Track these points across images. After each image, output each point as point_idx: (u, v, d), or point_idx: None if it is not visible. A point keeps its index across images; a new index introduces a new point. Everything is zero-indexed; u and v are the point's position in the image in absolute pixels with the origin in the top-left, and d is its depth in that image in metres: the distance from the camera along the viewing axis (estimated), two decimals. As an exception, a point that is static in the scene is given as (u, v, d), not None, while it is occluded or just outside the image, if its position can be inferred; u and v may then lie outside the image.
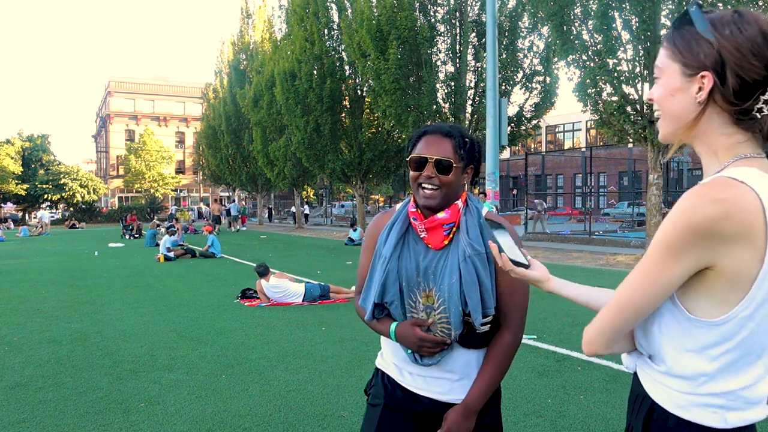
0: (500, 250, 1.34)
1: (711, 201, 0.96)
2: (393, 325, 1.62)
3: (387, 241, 1.63)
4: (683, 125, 1.09)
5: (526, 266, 1.34)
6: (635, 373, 1.19)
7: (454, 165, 1.56)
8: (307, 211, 36.23)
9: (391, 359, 1.72)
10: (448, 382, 1.62)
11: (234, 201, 36.76)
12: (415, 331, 1.56)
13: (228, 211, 30.79)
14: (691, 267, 1.00)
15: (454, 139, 1.58)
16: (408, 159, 1.61)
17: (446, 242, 1.58)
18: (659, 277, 1.02)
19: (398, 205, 1.73)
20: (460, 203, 1.60)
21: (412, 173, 1.59)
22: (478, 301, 1.52)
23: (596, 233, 18.85)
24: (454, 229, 1.58)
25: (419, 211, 1.61)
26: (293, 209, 35.50)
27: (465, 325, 1.55)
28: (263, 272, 7.92)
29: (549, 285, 1.35)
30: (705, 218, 0.96)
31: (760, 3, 10.47)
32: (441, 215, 1.57)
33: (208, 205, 49.99)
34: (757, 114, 1.01)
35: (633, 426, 1.18)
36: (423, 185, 1.57)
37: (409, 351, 1.61)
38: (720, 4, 10.07)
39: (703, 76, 1.03)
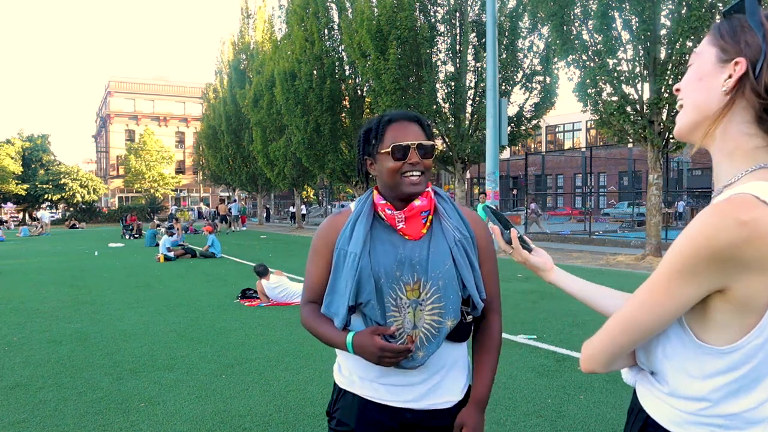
0: (504, 229, 1.33)
1: (733, 223, 0.88)
2: (350, 336, 1.45)
3: (353, 239, 1.49)
4: (704, 117, 1.00)
5: (530, 249, 1.34)
6: (634, 389, 1.14)
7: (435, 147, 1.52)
8: (303, 212, 36.23)
9: (357, 373, 1.54)
10: (433, 385, 1.50)
11: (235, 201, 36.76)
12: (375, 340, 1.40)
13: (229, 211, 30.85)
14: (703, 290, 0.93)
15: (420, 123, 1.53)
16: (390, 149, 1.46)
17: (424, 230, 1.50)
18: (669, 298, 0.95)
19: (352, 204, 1.60)
20: (430, 189, 1.55)
21: (392, 164, 1.46)
22: (473, 285, 1.48)
23: (596, 233, 18.87)
24: (430, 216, 1.52)
25: (390, 203, 1.52)
26: (292, 209, 35.46)
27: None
28: (263, 272, 7.93)
29: (549, 275, 1.32)
30: (725, 241, 0.88)
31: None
32: (418, 203, 1.49)
33: (208, 205, 50.07)
34: None
35: None
36: (408, 173, 1.46)
37: None
38: None
39: (736, 63, 0.95)
